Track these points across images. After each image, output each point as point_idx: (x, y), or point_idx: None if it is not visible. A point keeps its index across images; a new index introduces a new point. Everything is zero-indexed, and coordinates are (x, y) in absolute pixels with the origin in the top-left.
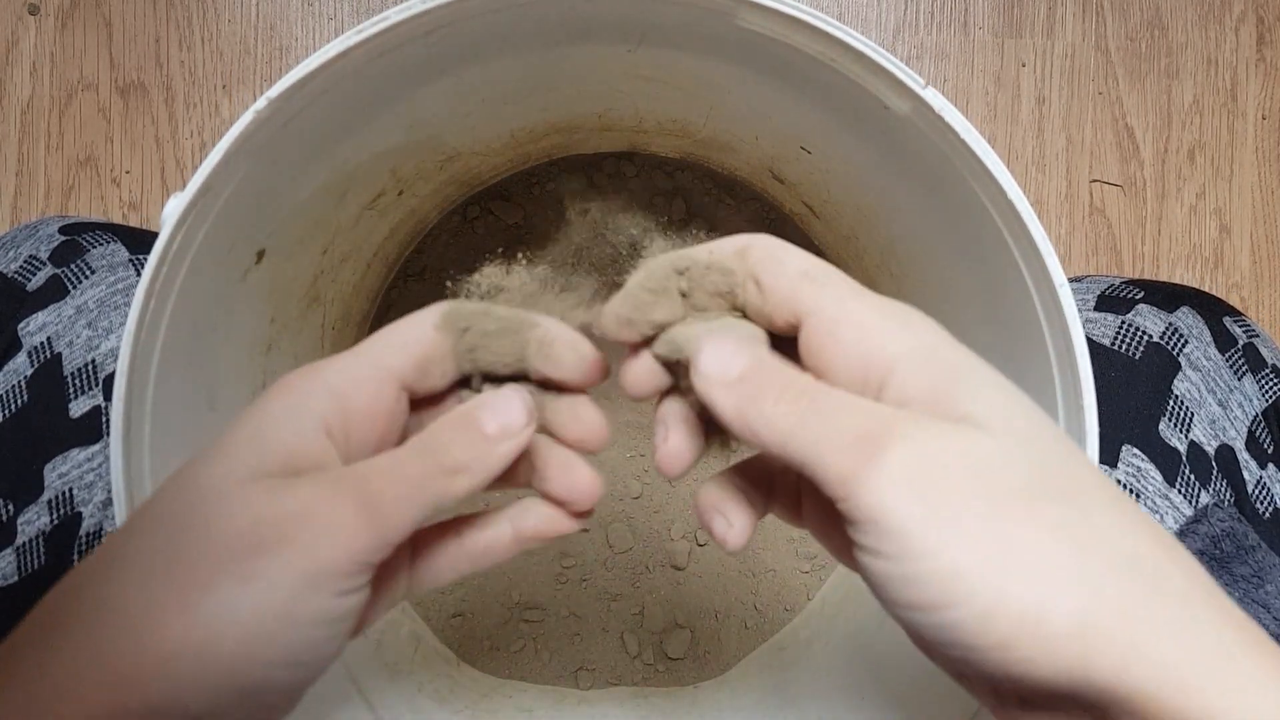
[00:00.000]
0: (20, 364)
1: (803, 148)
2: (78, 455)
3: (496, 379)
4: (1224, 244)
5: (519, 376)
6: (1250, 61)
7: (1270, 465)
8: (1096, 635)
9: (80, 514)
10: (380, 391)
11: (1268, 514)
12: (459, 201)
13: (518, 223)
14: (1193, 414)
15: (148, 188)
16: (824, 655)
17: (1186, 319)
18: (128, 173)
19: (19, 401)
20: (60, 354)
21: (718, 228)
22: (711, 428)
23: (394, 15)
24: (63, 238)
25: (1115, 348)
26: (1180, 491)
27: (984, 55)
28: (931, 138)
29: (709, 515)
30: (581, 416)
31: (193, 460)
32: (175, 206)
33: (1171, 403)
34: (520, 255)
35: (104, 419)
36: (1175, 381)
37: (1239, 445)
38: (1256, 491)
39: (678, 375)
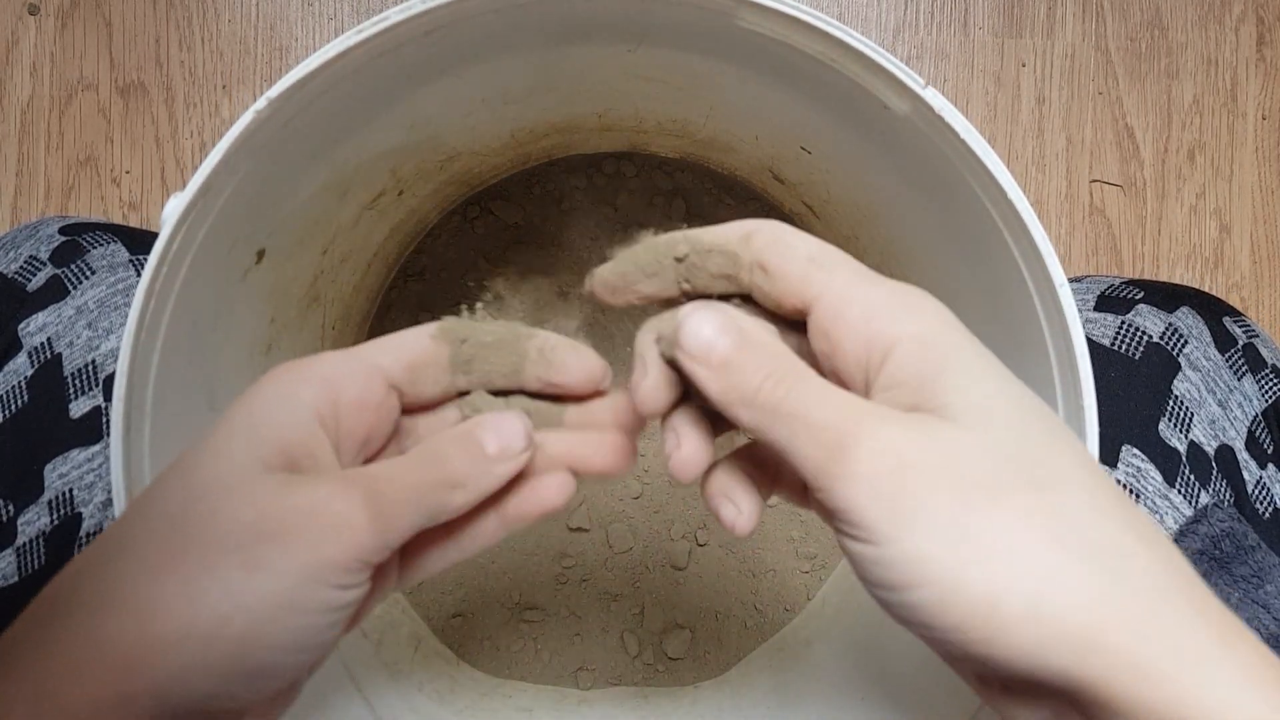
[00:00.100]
0: (20, 364)
1: (803, 148)
2: (78, 456)
3: (495, 393)
4: (1224, 244)
5: (516, 391)
6: (1250, 61)
7: (1270, 465)
8: (1052, 622)
9: (80, 514)
10: (369, 385)
11: (1267, 514)
12: (459, 201)
13: (518, 223)
14: (1193, 414)
15: (148, 188)
16: (824, 655)
17: (1186, 319)
18: (128, 173)
19: (19, 402)
20: (60, 354)
21: None
22: (719, 423)
23: (394, 15)
24: (63, 238)
25: (1115, 348)
26: (1180, 492)
27: (984, 55)
28: (931, 138)
29: (718, 501)
30: (608, 443)
31: (190, 451)
32: (175, 206)
33: (1171, 403)
34: (492, 297)
35: (104, 419)
36: (1175, 382)
37: (1239, 445)
38: (1256, 492)
39: (688, 382)
